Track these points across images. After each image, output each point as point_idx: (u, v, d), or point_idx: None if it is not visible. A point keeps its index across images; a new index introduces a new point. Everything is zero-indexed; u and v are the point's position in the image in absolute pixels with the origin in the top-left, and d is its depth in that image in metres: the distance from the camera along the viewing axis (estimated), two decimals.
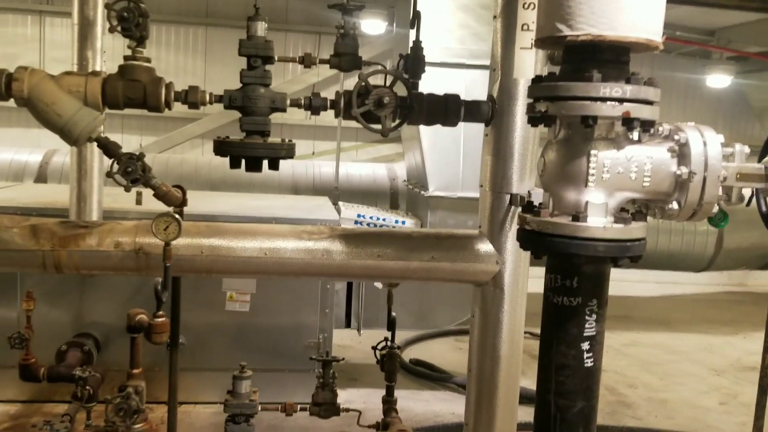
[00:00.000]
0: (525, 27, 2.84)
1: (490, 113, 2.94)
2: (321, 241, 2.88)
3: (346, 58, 2.89)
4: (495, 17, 2.96)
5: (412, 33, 3.12)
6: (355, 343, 7.27)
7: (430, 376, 6.63)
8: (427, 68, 3.09)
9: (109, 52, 5.06)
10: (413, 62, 3.07)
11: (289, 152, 2.83)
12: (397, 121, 2.76)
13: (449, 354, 7.61)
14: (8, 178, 9.35)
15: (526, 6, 2.83)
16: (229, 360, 5.75)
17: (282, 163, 2.87)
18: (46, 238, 2.67)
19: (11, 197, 6.05)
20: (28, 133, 11.60)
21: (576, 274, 2.03)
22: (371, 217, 6.81)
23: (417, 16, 3.27)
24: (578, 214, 1.99)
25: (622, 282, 9.65)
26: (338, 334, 6.54)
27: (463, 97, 7.14)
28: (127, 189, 2.61)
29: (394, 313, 3.70)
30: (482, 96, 6.98)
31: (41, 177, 9.40)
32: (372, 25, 11.60)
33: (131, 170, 2.61)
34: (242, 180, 9.94)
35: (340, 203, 7.64)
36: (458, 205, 6.61)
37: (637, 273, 10.33)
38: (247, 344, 5.84)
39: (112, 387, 4.59)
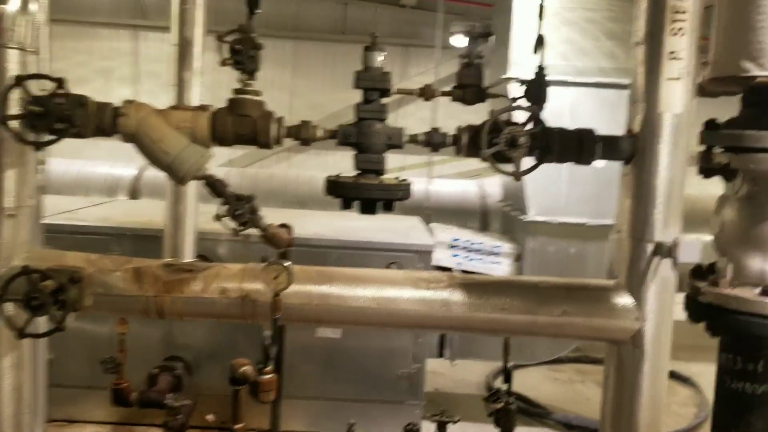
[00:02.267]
0: (672, 55, 2.52)
1: (631, 151, 2.62)
2: (439, 290, 2.63)
3: (471, 90, 2.64)
4: (637, 43, 2.64)
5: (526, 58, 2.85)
6: (447, 370, 6.99)
7: (527, 411, 6.28)
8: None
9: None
10: (537, 90, 2.80)
11: (405, 193, 2.60)
12: (533, 163, 2.48)
13: (544, 385, 7.23)
14: (103, 191, 9.50)
15: (674, 32, 2.51)
16: (319, 389, 5.59)
17: None
18: (149, 283, 2.51)
19: (106, 215, 6.05)
20: (121, 145, 11.83)
21: (763, 357, 1.71)
22: (467, 241, 6.52)
23: (541, 41, 3.00)
24: (766, 288, 1.68)
25: None
26: (430, 363, 6.28)
27: (567, 116, 6.74)
28: (236, 233, 2.43)
29: (510, 363, 3.41)
30: (588, 116, 6.62)
31: (134, 191, 9.51)
32: (460, 40, 11.33)
33: (240, 213, 2.42)
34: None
35: (432, 224, 7.38)
36: (561, 231, 6.25)
37: None
38: (337, 373, 5.64)
39: (201, 412, 4.48)
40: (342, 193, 2.54)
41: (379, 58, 2.57)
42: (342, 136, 2.57)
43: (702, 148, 1.82)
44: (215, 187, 2.54)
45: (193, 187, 4.90)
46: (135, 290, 2.49)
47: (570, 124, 6.40)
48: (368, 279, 2.67)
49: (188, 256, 5.01)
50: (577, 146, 2.59)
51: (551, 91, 6.41)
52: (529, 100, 2.84)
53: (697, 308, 1.79)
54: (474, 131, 2.53)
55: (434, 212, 9.55)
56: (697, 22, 2.56)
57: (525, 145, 2.38)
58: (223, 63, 2.46)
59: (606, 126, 6.42)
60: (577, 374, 7.64)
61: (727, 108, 2.59)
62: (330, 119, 12.65)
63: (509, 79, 6.40)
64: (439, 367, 7.07)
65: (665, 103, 2.55)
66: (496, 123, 2.42)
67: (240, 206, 2.44)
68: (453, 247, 6.52)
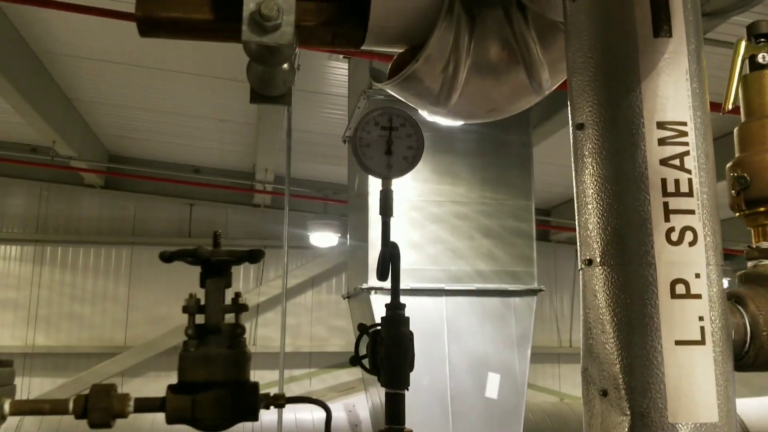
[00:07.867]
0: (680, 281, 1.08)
1: None
2: None
3: None
4: (580, 126, 1.18)
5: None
6: None
7: None
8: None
9: None
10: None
11: None
12: None
13: None
14: None
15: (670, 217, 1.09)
16: None
17: None
18: None
19: None
20: None
21: None
22: None
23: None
24: None
25: None
26: None
27: (444, 332, 5.14)
28: None
29: None
30: (471, 332, 5.12)
31: None
32: (323, 238, 10.06)
33: None
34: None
35: None
36: None
37: None
38: None
39: None
40: None
41: None
42: None
43: None
44: None
45: None
46: None
47: (448, 341, 4.67)
48: None
49: None
50: None
51: (423, 303, 5.02)
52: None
53: None
54: None
55: None
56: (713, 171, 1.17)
57: None
58: None
59: (494, 345, 4.85)
60: None
61: None
62: (174, 334, 10.68)
63: (370, 289, 4.97)
64: None
65: (682, 407, 1.07)
66: None
67: None
68: None
